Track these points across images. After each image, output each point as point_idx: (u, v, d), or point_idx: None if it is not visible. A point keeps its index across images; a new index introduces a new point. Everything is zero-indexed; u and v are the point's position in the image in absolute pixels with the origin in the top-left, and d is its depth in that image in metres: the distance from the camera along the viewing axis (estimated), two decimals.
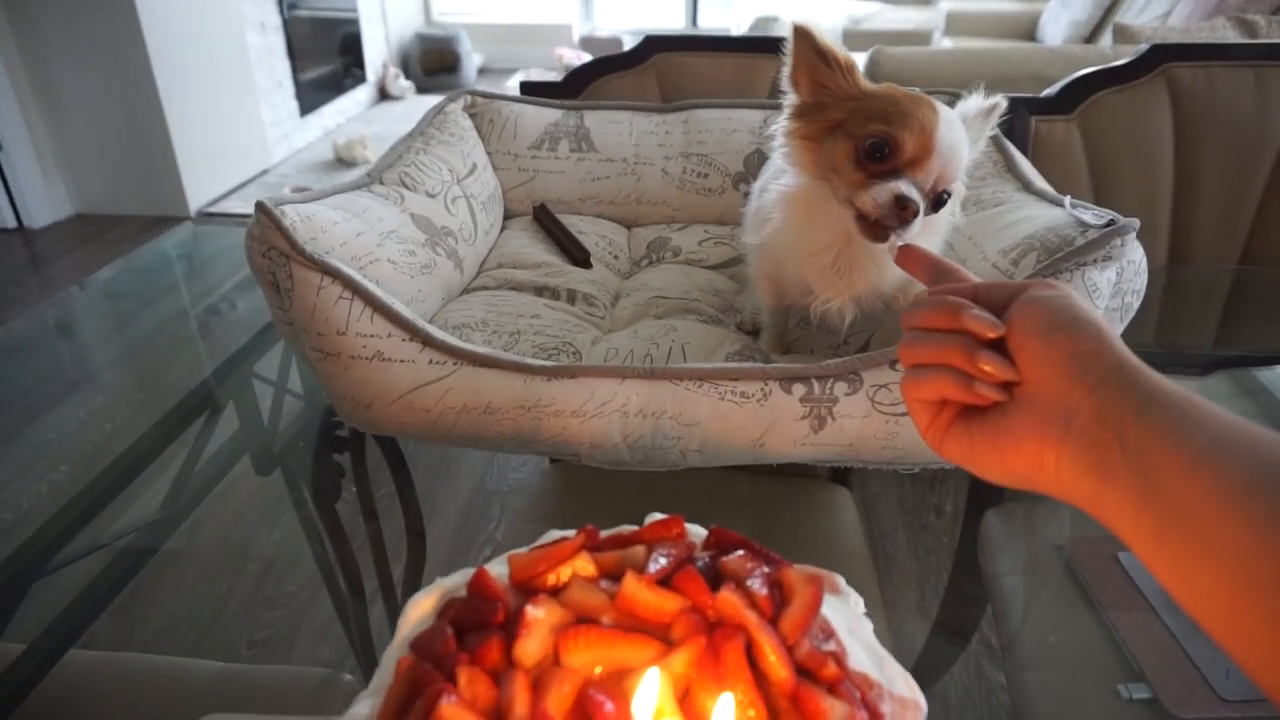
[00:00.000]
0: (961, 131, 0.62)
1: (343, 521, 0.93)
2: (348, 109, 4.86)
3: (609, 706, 0.34)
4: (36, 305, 2.92)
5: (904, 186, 0.59)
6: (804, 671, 0.37)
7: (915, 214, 0.59)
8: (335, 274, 0.63)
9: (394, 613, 0.85)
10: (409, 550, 0.91)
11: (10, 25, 3.18)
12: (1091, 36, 3.75)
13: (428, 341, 0.63)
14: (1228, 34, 2.02)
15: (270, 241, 0.64)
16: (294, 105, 4.29)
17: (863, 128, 0.61)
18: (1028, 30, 4.26)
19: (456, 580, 0.44)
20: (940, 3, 4.54)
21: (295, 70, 4.27)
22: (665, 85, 1.20)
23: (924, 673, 0.40)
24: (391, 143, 0.89)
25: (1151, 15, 3.40)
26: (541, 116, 1.03)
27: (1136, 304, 0.65)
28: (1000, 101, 0.68)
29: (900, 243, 0.57)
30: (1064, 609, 0.80)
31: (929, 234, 0.66)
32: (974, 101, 0.68)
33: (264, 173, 3.98)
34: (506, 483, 1.66)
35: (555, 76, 1.23)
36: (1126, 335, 0.68)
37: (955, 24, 4.30)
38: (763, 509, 0.96)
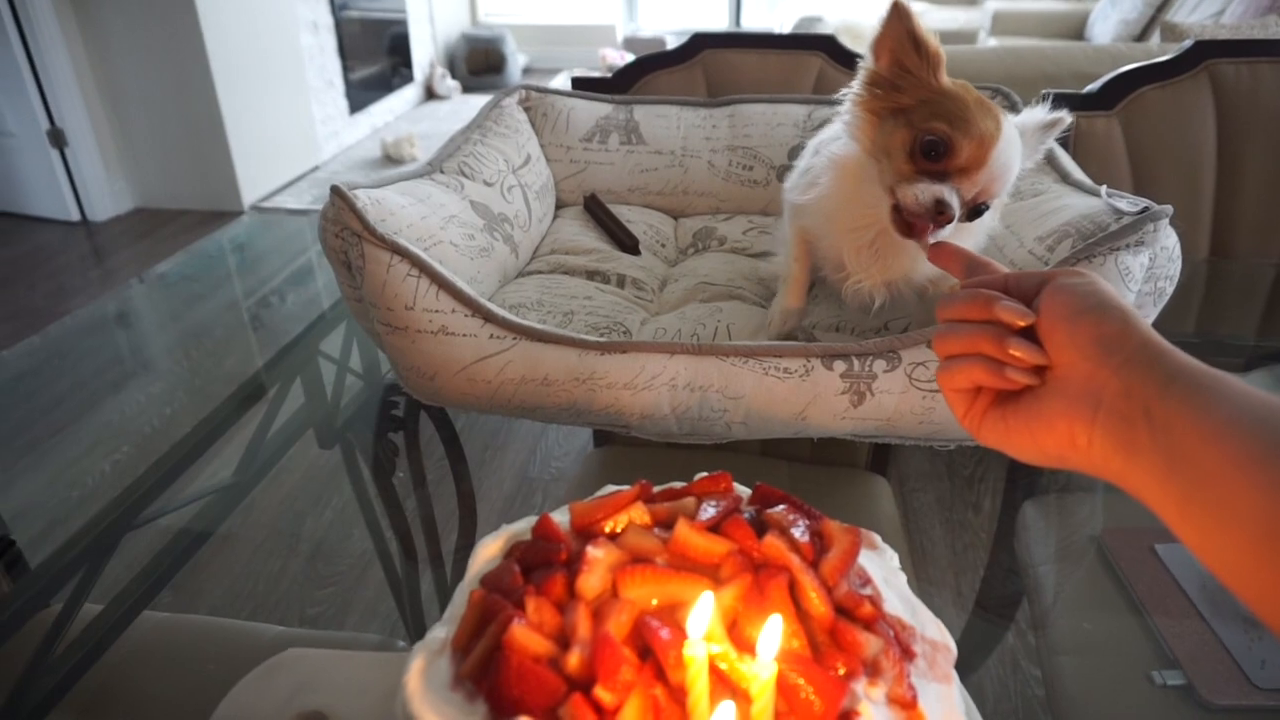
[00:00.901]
0: (1018, 150, 0.62)
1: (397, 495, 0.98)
2: (395, 107, 4.96)
3: (665, 632, 0.38)
4: (98, 295, 3.04)
5: (947, 192, 0.60)
6: (842, 611, 0.41)
7: (950, 220, 0.60)
8: (404, 253, 0.68)
9: (443, 583, 0.89)
10: (461, 515, 0.95)
11: (79, 28, 3.31)
12: (1141, 36, 3.70)
13: (489, 317, 0.67)
14: None
15: (344, 222, 0.69)
16: (344, 104, 4.39)
17: (925, 122, 0.61)
18: (1076, 30, 4.21)
19: (521, 526, 0.48)
20: (987, 3, 4.50)
21: (345, 69, 4.37)
22: (712, 81, 1.23)
23: (960, 664, 0.43)
24: (438, 141, 0.92)
25: (1204, 14, 3.34)
26: (593, 110, 1.07)
27: (1170, 289, 0.66)
28: (1064, 117, 0.68)
29: (931, 241, 0.59)
30: (1099, 597, 0.81)
31: (965, 236, 0.67)
32: (1037, 113, 0.68)
33: (314, 169, 4.08)
34: (549, 471, 1.71)
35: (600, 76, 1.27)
36: (1165, 324, 0.70)
37: (1001, 23, 4.26)
38: (801, 495, 0.98)
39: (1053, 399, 0.43)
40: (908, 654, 0.40)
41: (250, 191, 3.66)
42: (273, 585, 1.32)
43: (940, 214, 0.60)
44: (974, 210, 0.63)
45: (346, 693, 0.50)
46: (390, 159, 4.15)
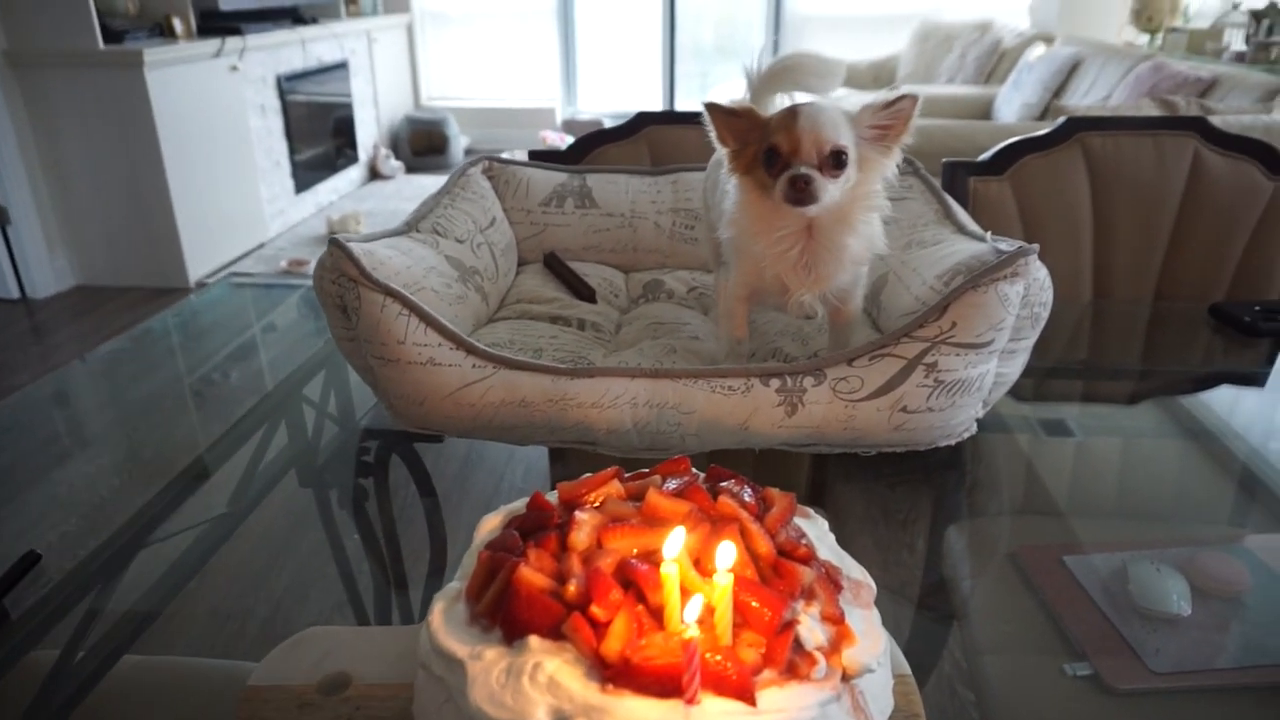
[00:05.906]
0: (822, 113, 0.77)
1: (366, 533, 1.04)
2: (340, 187, 5.07)
3: (643, 568, 0.47)
4: (38, 372, 3.02)
5: (798, 170, 0.76)
6: (783, 552, 0.51)
7: (809, 180, 0.75)
8: (395, 295, 0.78)
9: (406, 609, 0.95)
10: (432, 547, 1.02)
11: (25, 103, 3.36)
12: (1041, 118, 4.04)
13: (471, 350, 0.77)
14: (1152, 112, 2.26)
15: (341, 270, 0.79)
16: (290, 183, 4.48)
17: (761, 145, 0.78)
18: (983, 111, 4.57)
19: (516, 505, 0.57)
20: (902, 87, 4.84)
21: (292, 150, 4.48)
22: (654, 152, 1.38)
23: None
24: (383, 219, 1.02)
25: (1095, 99, 3.69)
26: (550, 178, 1.20)
27: (1045, 315, 0.80)
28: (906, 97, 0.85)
29: (825, 200, 0.75)
30: (1016, 604, 0.91)
31: (856, 236, 0.81)
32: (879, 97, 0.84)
33: (260, 246, 4.14)
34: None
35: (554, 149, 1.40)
36: (1064, 355, 0.81)
37: None
38: None
39: None
40: (836, 585, 0.51)
41: (196, 268, 3.70)
42: (231, 645, 1.35)
43: (801, 184, 0.75)
44: (836, 161, 0.77)
45: (366, 657, 0.57)
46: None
